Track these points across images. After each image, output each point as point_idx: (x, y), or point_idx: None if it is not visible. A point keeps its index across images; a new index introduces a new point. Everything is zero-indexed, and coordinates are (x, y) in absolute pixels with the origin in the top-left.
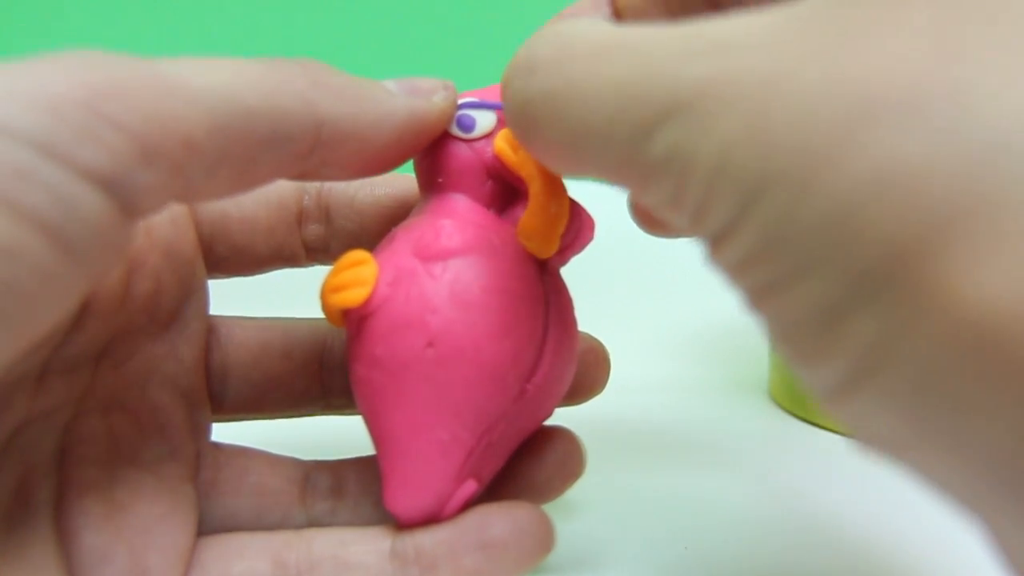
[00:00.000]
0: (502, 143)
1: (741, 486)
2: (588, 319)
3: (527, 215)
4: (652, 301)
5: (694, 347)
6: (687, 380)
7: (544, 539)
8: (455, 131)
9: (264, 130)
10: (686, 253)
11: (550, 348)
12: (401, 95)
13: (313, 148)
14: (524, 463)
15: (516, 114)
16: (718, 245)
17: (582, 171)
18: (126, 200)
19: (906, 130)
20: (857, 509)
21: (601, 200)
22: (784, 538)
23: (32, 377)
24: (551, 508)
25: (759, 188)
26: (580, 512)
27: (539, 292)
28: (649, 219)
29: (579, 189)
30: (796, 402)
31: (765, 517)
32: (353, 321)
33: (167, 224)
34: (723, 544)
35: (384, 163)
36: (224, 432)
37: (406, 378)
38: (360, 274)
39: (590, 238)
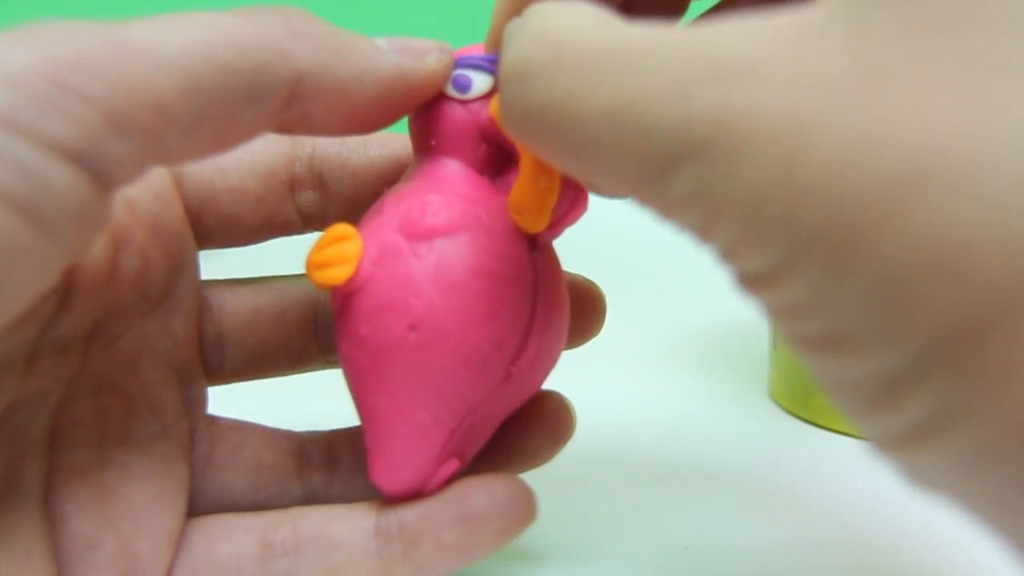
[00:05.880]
0: (497, 107)
1: (741, 486)
2: None
3: (516, 189)
4: (652, 300)
5: (694, 347)
6: (687, 379)
7: (525, 511)
8: (450, 91)
9: (240, 87)
10: (686, 253)
11: (537, 330)
12: (390, 52)
13: (292, 101)
14: (514, 431)
15: (515, 125)
16: (756, 285)
17: (596, 185)
18: (98, 172)
19: (959, 200)
20: (857, 509)
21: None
22: (784, 538)
23: (21, 359)
24: (555, 517)
25: (798, 247)
26: (579, 511)
27: (527, 272)
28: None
29: None
30: (796, 402)
31: (765, 517)
32: (338, 297)
33: (152, 199)
34: (723, 544)
35: (368, 121)
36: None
37: (388, 360)
38: (343, 251)
39: (583, 211)
